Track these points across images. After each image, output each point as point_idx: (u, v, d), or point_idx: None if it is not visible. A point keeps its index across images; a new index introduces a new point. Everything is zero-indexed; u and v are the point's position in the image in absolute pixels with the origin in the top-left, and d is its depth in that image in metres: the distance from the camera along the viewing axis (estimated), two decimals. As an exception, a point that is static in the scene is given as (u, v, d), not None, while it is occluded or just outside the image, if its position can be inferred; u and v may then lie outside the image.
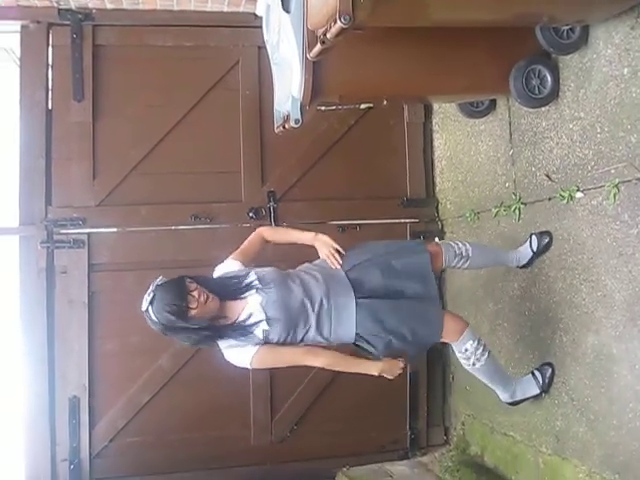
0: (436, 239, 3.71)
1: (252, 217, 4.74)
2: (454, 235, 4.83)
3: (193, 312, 2.91)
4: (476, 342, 3.42)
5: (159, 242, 4.67)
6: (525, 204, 3.94)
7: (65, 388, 4.55)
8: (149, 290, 2.96)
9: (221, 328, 3.05)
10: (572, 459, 3.57)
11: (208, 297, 2.95)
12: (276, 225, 4.76)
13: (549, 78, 3.56)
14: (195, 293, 2.92)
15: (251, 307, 3.07)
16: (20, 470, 4.55)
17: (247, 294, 3.10)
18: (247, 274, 3.18)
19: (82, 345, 4.55)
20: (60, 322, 4.55)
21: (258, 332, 3.03)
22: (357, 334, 3.17)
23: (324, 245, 3.33)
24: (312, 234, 3.37)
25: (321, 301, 3.14)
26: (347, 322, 3.15)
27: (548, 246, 3.73)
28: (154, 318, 2.93)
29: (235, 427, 4.71)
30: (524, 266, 3.90)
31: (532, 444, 3.94)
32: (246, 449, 4.74)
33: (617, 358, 3.21)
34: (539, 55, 3.55)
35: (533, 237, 3.80)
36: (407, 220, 4.99)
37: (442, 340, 3.38)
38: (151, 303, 2.92)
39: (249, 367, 3.09)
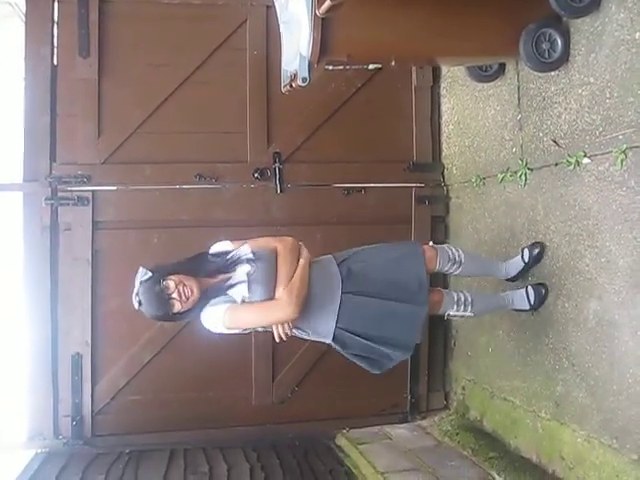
0: (430, 243, 3.72)
1: (257, 178, 4.73)
2: (459, 200, 4.82)
3: (179, 310, 3.03)
4: (455, 305, 3.60)
5: (163, 201, 4.67)
6: (531, 169, 3.92)
7: (68, 345, 4.59)
8: (134, 290, 3.07)
9: (207, 297, 3.11)
10: (571, 424, 3.59)
11: (189, 291, 3.01)
12: (281, 187, 4.75)
13: (559, 42, 3.51)
14: (175, 295, 2.99)
15: (237, 275, 3.13)
16: (23, 425, 4.60)
17: (237, 267, 3.16)
18: (241, 247, 3.23)
19: (85, 303, 4.58)
20: (63, 279, 4.58)
21: (237, 297, 3.09)
22: (337, 327, 3.22)
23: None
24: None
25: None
26: (329, 312, 3.21)
27: (539, 257, 3.80)
28: (148, 317, 3.09)
29: (236, 387, 4.75)
30: (512, 279, 3.95)
31: (531, 409, 3.96)
32: (247, 409, 4.79)
33: (619, 324, 3.21)
34: (550, 18, 3.50)
35: (525, 250, 3.86)
36: (412, 184, 4.97)
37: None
38: (140, 305, 3.05)
39: (222, 326, 3.09)
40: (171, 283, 2.99)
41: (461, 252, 3.67)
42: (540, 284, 3.82)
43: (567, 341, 3.61)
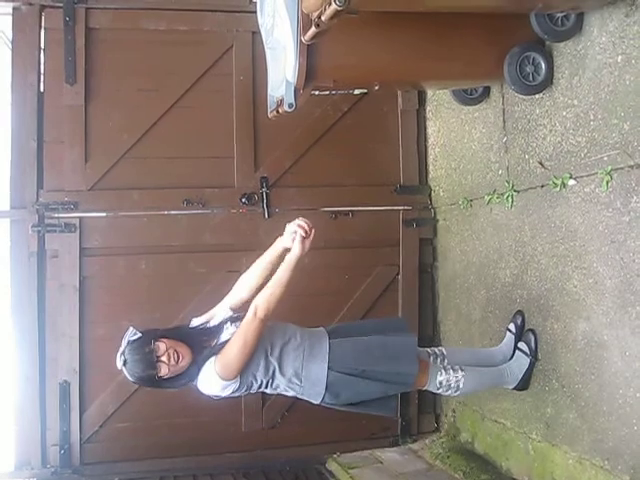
0: (430, 359, 3.67)
1: (245, 203, 4.73)
2: (447, 222, 4.83)
3: (165, 375, 2.95)
4: (443, 371, 3.49)
5: (151, 227, 4.65)
6: (518, 191, 3.94)
7: (56, 373, 4.54)
8: (121, 349, 2.99)
9: (199, 364, 3.04)
10: (562, 445, 3.59)
11: (179, 357, 2.95)
12: (269, 212, 4.75)
13: (543, 65, 3.55)
14: (164, 358, 2.92)
15: (224, 336, 3.10)
16: (10, 454, 4.55)
17: (223, 330, 3.14)
18: (221, 312, 3.23)
19: (73, 330, 4.54)
20: (51, 306, 4.54)
21: None
22: (329, 369, 3.16)
23: (288, 228, 3.13)
24: (277, 239, 3.23)
25: (295, 335, 3.19)
26: (320, 356, 3.17)
27: (523, 323, 3.86)
28: (130, 379, 3.01)
29: (226, 413, 4.68)
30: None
31: (522, 431, 3.96)
32: (237, 435, 4.75)
33: (608, 345, 3.22)
34: (533, 42, 3.54)
35: (510, 325, 3.91)
36: (400, 207, 4.98)
37: (416, 388, 3.57)
38: (124, 365, 2.96)
39: (219, 379, 3.01)
40: (162, 346, 2.93)
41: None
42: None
43: (556, 362, 3.62)
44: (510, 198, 4.00)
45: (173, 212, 4.70)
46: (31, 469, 4.50)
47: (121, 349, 2.98)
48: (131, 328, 3.00)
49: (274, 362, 3.11)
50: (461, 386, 3.50)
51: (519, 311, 3.91)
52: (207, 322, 3.24)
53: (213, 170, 4.77)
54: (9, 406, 4.58)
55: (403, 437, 4.98)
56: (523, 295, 3.92)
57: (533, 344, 3.76)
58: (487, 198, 4.24)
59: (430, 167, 5.08)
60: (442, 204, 4.92)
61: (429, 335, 5.01)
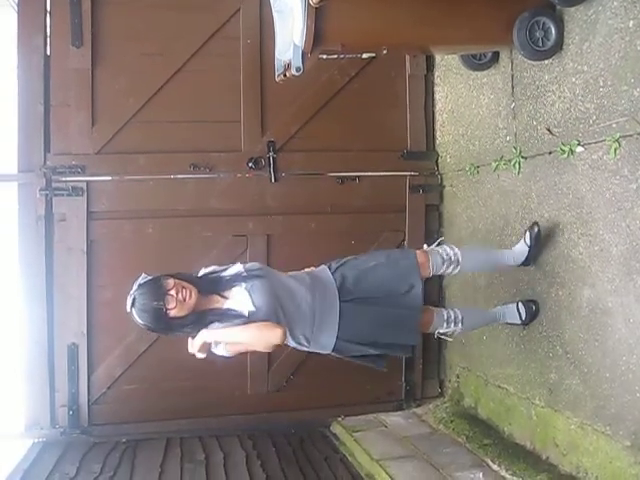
0: (424, 246, 3.69)
1: (252, 167, 4.73)
2: (453, 189, 4.82)
3: (172, 312, 2.95)
4: (445, 323, 3.72)
5: (158, 191, 4.66)
6: (525, 158, 3.93)
7: (64, 335, 4.59)
8: (132, 291, 3.02)
9: (205, 318, 3.07)
10: (564, 411, 3.62)
11: (187, 293, 2.98)
12: (275, 176, 4.75)
13: (553, 30, 3.52)
14: (173, 291, 2.95)
15: (236, 295, 3.11)
16: (20, 415, 4.61)
17: (232, 285, 3.15)
18: (232, 266, 3.24)
19: (81, 293, 4.58)
20: (59, 270, 4.58)
21: (244, 312, 3.07)
22: (338, 338, 3.25)
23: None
24: None
25: (306, 299, 3.21)
26: (330, 324, 3.23)
27: (539, 236, 3.69)
28: (137, 319, 3.00)
29: (232, 376, 4.74)
30: (525, 264, 3.79)
31: (525, 396, 3.99)
32: (242, 398, 4.81)
33: (612, 312, 3.23)
34: (543, 7, 3.50)
35: (526, 233, 3.73)
36: (407, 173, 4.97)
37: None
38: (133, 305, 2.98)
39: (223, 345, 3.11)
40: (171, 281, 2.97)
41: (457, 250, 3.61)
42: (530, 300, 3.87)
43: (561, 329, 3.64)
44: (517, 165, 3.98)
45: (180, 176, 4.70)
46: (40, 429, 4.57)
47: (131, 291, 3.02)
48: (143, 274, 3.05)
49: (284, 326, 3.14)
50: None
51: (536, 222, 3.72)
52: (214, 272, 3.25)
53: (220, 134, 4.76)
54: (19, 368, 4.63)
55: (407, 402, 5.03)
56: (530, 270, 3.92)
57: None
58: (494, 164, 4.23)
59: (437, 133, 5.06)
60: (449, 170, 4.90)
61: (434, 300, 5.02)
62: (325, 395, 4.90)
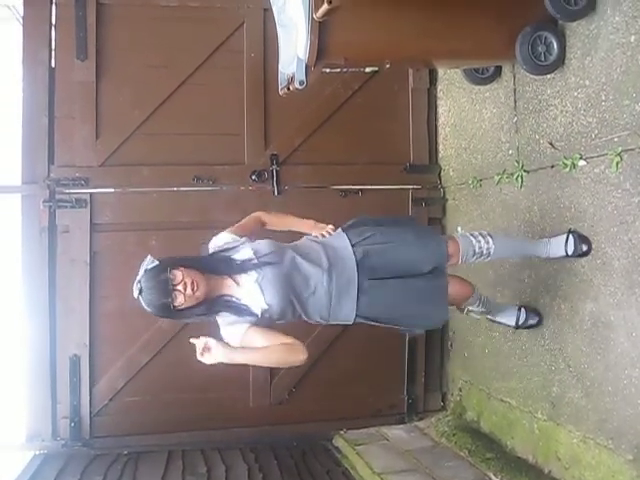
0: (458, 229, 3.51)
1: (255, 180, 4.74)
2: (456, 202, 4.83)
3: (180, 305, 2.84)
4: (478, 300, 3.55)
5: (161, 203, 4.68)
6: (528, 172, 3.94)
7: (66, 347, 4.60)
8: (137, 277, 2.87)
9: (215, 305, 2.97)
10: (567, 425, 3.62)
11: (195, 286, 2.84)
12: (278, 189, 4.76)
13: (555, 45, 3.54)
14: (180, 286, 2.81)
15: (246, 284, 2.98)
16: (21, 427, 4.61)
17: (243, 271, 3.01)
18: (242, 248, 3.07)
19: (83, 304, 4.59)
20: (62, 281, 4.59)
21: (256, 310, 2.95)
22: (357, 315, 3.10)
23: (322, 231, 3.24)
24: (311, 222, 3.30)
25: (322, 280, 3.03)
26: (347, 305, 3.07)
27: (585, 255, 3.45)
28: (146, 308, 2.88)
29: (234, 389, 4.75)
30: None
31: (528, 410, 3.98)
32: (245, 410, 4.80)
33: (614, 325, 3.23)
34: (546, 22, 3.52)
35: (571, 237, 3.48)
36: (409, 186, 4.98)
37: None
38: (140, 293, 2.86)
39: (239, 342, 2.95)
40: (178, 274, 2.82)
41: (491, 244, 3.39)
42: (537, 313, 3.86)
43: (563, 342, 3.64)
44: (520, 178, 3.99)
45: (183, 189, 4.72)
46: (42, 441, 4.57)
47: (137, 277, 2.87)
48: (149, 256, 2.90)
49: (299, 310, 3.03)
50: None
51: (588, 241, 3.45)
52: (225, 249, 3.10)
53: (223, 147, 4.79)
54: (20, 380, 4.63)
55: (409, 415, 5.01)
56: (531, 275, 3.93)
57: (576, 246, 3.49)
58: (497, 178, 4.24)
59: (440, 146, 5.07)
60: (452, 184, 4.91)
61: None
62: (327, 408, 4.89)
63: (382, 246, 3.15)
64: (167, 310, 2.85)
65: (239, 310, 2.96)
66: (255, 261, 3.00)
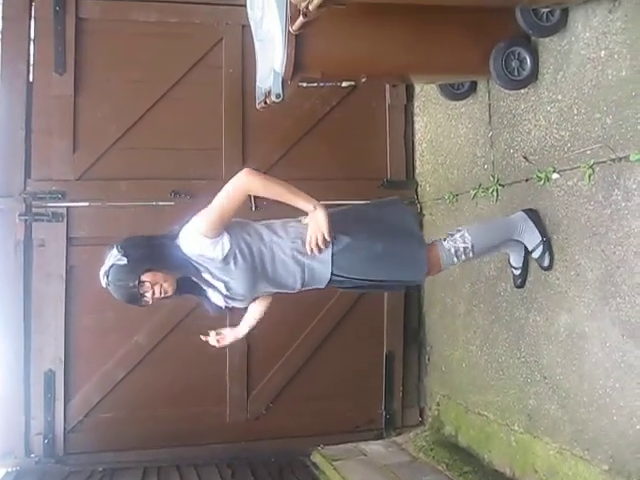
0: (440, 240, 3.31)
1: (232, 195, 4.73)
2: (432, 217, 4.87)
3: (149, 303, 2.87)
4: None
5: (138, 217, 4.66)
6: (503, 185, 3.98)
7: (41, 362, 4.55)
8: (104, 268, 2.83)
9: (182, 291, 3.02)
10: (543, 437, 3.63)
11: (164, 291, 2.85)
12: (256, 204, 4.74)
13: (528, 60, 3.59)
14: (149, 294, 2.83)
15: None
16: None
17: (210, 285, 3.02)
18: (214, 274, 2.97)
19: (59, 319, 4.55)
20: (37, 295, 4.55)
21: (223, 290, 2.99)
22: (332, 274, 3.01)
23: (316, 227, 2.97)
24: (311, 205, 3.03)
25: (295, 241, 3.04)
26: (323, 261, 3.00)
27: (544, 269, 3.55)
28: (114, 294, 2.86)
29: (211, 404, 4.73)
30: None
31: (505, 423, 3.99)
32: (221, 426, 4.77)
33: (589, 336, 3.25)
34: (519, 37, 3.57)
35: (542, 245, 3.50)
36: (387, 202, 5.00)
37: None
38: (108, 285, 2.84)
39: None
40: (147, 284, 2.80)
41: (468, 242, 3.25)
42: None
43: (539, 354, 3.65)
44: (495, 192, 4.03)
45: (161, 203, 4.71)
46: (14, 458, 4.51)
47: (105, 268, 2.82)
48: (115, 249, 2.85)
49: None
50: (467, 241, 3.25)
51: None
52: (196, 268, 2.99)
53: (201, 162, 4.79)
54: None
55: (387, 430, 5.01)
56: (507, 288, 3.95)
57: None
58: (473, 192, 4.28)
59: (417, 162, 5.12)
60: (428, 199, 4.95)
61: (414, 328, 5.05)
62: (305, 423, 4.87)
63: (358, 256, 3.05)
64: (136, 304, 2.88)
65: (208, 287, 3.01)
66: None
